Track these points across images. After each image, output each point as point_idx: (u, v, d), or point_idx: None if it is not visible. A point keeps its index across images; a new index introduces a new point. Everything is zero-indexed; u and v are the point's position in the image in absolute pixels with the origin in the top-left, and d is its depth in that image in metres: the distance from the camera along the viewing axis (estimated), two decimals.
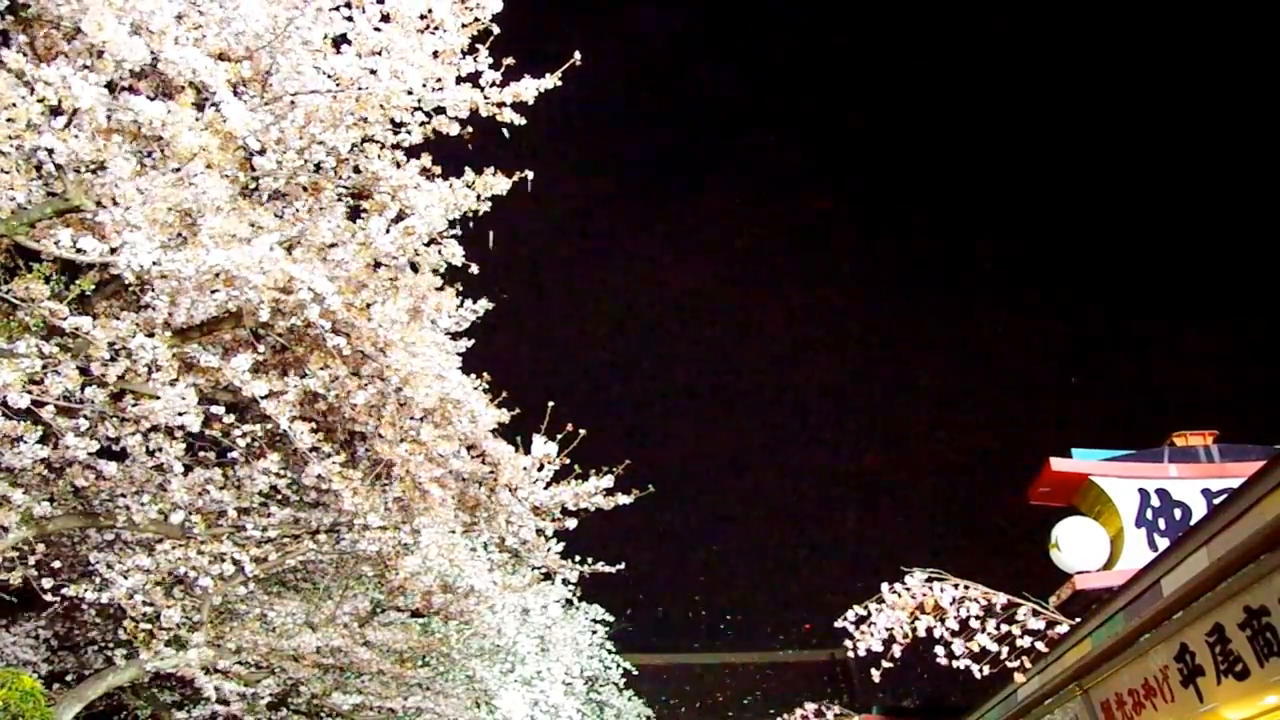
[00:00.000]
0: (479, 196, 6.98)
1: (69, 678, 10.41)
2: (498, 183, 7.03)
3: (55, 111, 5.42)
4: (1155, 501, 13.14)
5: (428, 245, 6.98)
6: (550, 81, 6.78)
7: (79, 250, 5.61)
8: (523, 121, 6.80)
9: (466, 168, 6.98)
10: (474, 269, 7.23)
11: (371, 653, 9.94)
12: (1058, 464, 13.58)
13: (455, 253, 7.03)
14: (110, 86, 5.87)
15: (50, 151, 5.47)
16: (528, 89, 6.77)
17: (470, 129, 6.86)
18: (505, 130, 6.77)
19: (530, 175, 6.99)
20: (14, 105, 5.11)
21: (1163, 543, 12.52)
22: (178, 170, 5.67)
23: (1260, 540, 5.69)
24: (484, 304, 8.11)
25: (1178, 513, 13.03)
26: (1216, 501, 11.99)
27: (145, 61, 5.53)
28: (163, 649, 8.09)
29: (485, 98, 6.77)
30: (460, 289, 7.43)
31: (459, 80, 6.66)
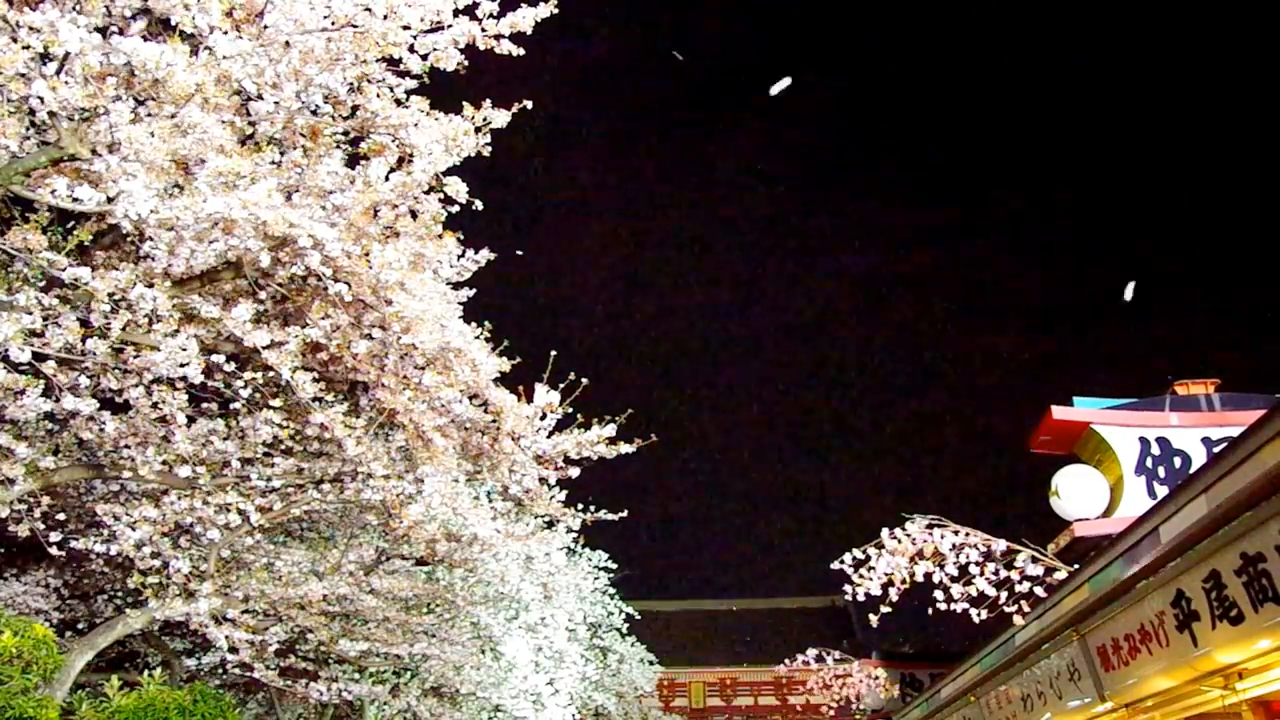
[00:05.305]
0: (478, 129, 6.89)
1: (80, 626, 10.56)
2: (497, 116, 6.93)
3: (45, 57, 5.33)
4: (1155, 450, 13.20)
5: (427, 193, 6.91)
6: (546, 10, 6.67)
7: (75, 199, 5.56)
8: (521, 52, 6.70)
9: (465, 103, 6.90)
10: (478, 204, 7.15)
11: (377, 600, 10.06)
12: (1059, 412, 13.62)
13: (459, 190, 6.93)
14: (101, 32, 5.76)
15: (41, 99, 5.39)
16: (525, 18, 6.67)
17: (467, 62, 6.76)
18: (505, 59, 6.68)
19: (529, 105, 6.89)
20: (1, 52, 5.02)
21: (1162, 490, 12.60)
22: (173, 116, 5.59)
23: (1259, 488, 5.70)
24: (485, 254, 8.05)
25: (1177, 461, 13.09)
26: (1216, 450, 12.03)
27: (136, 7, 5.42)
28: (171, 599, 8.20)
29: (483, 29, 6.66)
30: (461, 237, 7.38)
31: (456, 13, 6.55)
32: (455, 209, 7.13)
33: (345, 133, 7.09)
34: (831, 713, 19.84)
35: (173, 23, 5.78)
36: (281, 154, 6.72)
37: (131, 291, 5.92)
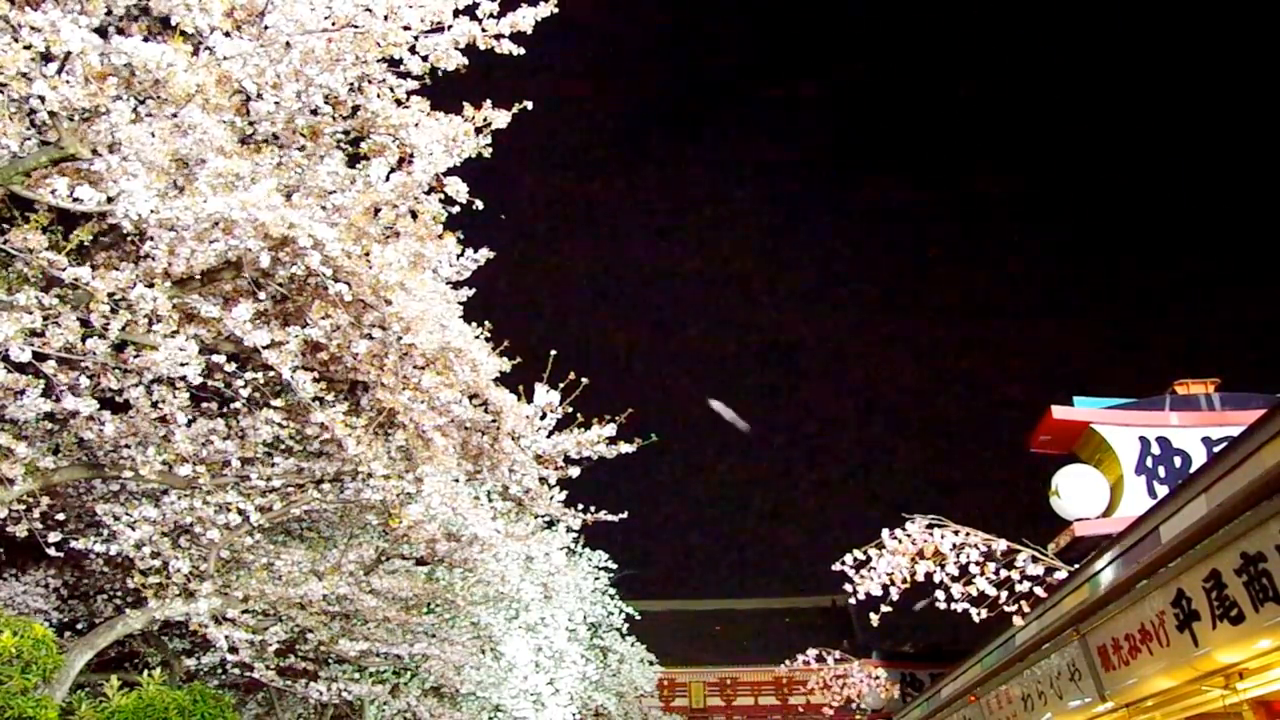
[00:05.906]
0: (479, 130, 6.89)
1: (79, 626, 10.56)
2: (498, 116, 6.93)
3: (46, 57, 5.33)
4: (1155, 449, 13.19)
5: (428, 193, 6.91)
6: (547, 9, 6.67)
7: (76, 199, 5.56)
8: (521, 52, 6.70)
9: (465, 104, 6.90)
10: (478, 204, 7.14)
11: (377, 600, 10.05)
12: (1059, 412, 13.61)
13: (460, 190, 6.93)
14: (102, 33, 5.76)
15: (42, 99, 5.39)
16: (525, 18, 6.68)
17: (467, 61, 6.76)
18: (505, 58, 6.67)
19: (530, 105, 6.89)
20: (2, 52, 5.02)
21: (1162, 490, 12.59)
22: (174, 116, 5.59)
23: (1259, 488, 5.70)
24: (485, 253, 8.05)
25: (1178, 460, 13.09)
26: (1216, 449, 12.03)
27: (136, 6, 5.42)
28: (171, 599, 8.19)
29: (483, 29, 6.66)
30: (461, 237, 7.37)
31: (456, 13, 6.55)
32: (455, 209, 7.13)
33: (345, 133, 7.09)
34: (832, 713, 19.84)
35: (173, 23, 5.78)
36: (282, 156, 6.73)
37: (131, 291, 5.92)
